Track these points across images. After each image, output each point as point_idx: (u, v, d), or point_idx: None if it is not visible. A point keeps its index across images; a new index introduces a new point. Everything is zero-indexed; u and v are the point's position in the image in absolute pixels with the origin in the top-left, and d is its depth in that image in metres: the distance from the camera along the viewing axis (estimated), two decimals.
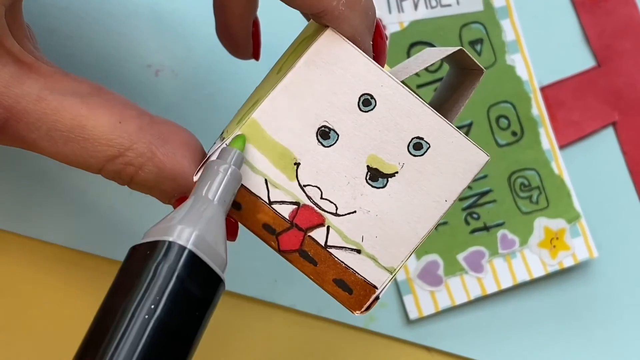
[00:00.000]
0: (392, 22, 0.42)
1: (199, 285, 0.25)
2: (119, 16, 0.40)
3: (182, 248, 0.25)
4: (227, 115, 0.38)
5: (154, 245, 0.25)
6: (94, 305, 0.40)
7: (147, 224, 0.40)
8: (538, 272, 0.43)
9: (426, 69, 0.39)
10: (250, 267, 0.41)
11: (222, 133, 0.31)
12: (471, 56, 0.31)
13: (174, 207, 0.31)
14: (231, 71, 0.41)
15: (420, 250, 0.43)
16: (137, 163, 0.29)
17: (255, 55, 0.36)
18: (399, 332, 0.43)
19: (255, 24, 0.35)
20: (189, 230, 0.25)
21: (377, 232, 0.29)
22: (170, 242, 0.25)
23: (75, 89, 0.29)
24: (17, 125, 0.29)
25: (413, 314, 0.43)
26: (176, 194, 0.30)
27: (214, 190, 0.27)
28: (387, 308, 0.43)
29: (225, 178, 0.27)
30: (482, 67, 0.31)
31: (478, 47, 0.43)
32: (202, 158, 0.30)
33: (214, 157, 0.28)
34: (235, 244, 0.42)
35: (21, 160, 0.39)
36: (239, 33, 0.35)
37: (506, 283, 0.43)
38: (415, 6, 0.43)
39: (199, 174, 0.29)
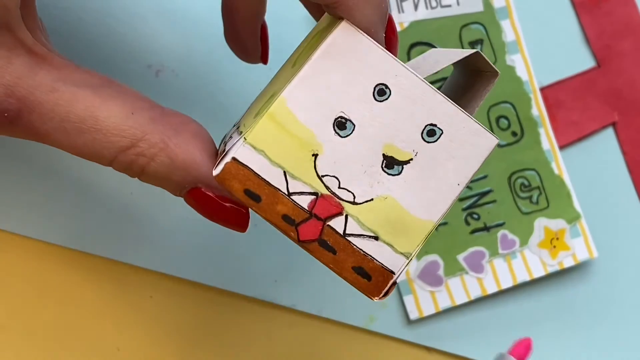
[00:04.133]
0: None
1: None
2: (119, 16, 0.40)
3: None
4: (228, 114, 0.38)
5: None
6: (94, 305, 0.40)
7: (147, 224, 0.40)
8: (538, 272, 0.43)
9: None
10: (250, 267, 0.41)
11: (238, 127, 0.31)
12: (487, 59, 0.31)
13: (185, 200, 0.31)
14: (232, 71, 0.41)
15: (420, 251, 0.43)
16: (150, 154, 0.29)
17: (264, 59, 0.36)
18: (399, 332, 0.43)
19: (263, 28, 0.35)
20: None
21: (393, 218, 0.30)
22: None
23: (87, 80, 0.29)
24: (30, 117, 0.29)
25: (413, 314, 0.43)
26: (187, 185, 0.30)
27: None
28: (388, 308, 0.43)
29: None
30: (496, 69, 0.31)
31: (478, 48, 0.43)
32: (212, 149, 0.31)
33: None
34: (236, 245, 0.42)
35: (21, 160, 0.39)
36: (247, 37, 0.35)
37: (506, 283, 0.43)
38: (416, 7, 0.43)
39: (219, 167, 0.29)
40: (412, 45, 0.43)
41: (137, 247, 0.40)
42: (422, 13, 0.43)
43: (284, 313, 0.42)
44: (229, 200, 0.30)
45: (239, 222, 0.31)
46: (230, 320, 0.41)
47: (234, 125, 0.33)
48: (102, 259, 0.40)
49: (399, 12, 0.43)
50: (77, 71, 0.30)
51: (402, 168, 0.30)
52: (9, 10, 0.28)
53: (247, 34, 0.35)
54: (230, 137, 0.31)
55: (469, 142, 0.30)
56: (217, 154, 0.31)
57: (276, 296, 0.41)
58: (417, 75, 0.29)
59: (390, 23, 0.31)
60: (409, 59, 0.43)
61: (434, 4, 0.43)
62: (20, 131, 0.29)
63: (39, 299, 0.39)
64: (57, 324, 0.40)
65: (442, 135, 0.30)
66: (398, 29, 0.43)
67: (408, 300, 0.43)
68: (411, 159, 0.30)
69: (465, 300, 0.43)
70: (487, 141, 0.30)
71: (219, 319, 0.41)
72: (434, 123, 0.29)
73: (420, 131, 0.29)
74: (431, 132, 0.29)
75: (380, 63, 0.29)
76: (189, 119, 0.31)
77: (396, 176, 0.30)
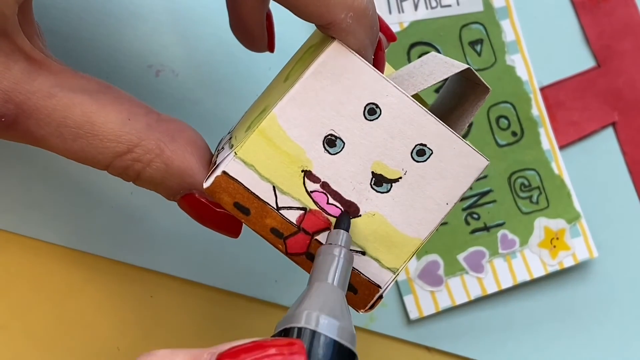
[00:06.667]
0: (392, 23, 0.42)
1: None
2: (119, 17, 0.40)
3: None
4: (227, 115, 0.38)
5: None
6: (94, 305, 0.40)
7: (147, 224, 0.40)
8: (538, 272, 0.43)
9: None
10: (250, 267, 0.41)
11: (230, 138, 0.31)
12: (478, 75, 0.32)
13: (179, 205, 0.31)
14: (231, 71, 0.41)
15: (420, 251, 0.43)
16: (145, 160, 0.29)
17: (271, 48, 0.36)
18: (399, 332, 0.43)
19: (269, 17, 0.35)
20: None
21: (381, 234, 0.30)
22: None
23: (84, 86, 0.29)
24: (27, 122, 0.29)
25: (413, 314, 0.43)
26: (181, 190, 0.30)
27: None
28: (388, 308, 0.43)
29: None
30: (487, 85, 0.31)
31: (478, 48, 0.43)
32: (207, 156, 0.31)
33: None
34: (237, 246, 0.42)
35: (22, 160, 0.39)
36: (253, 26, 0.35)
37: (506, 283, 0.43)
38: (416, 6, 0.43)
39: (209, 180, 0.29)
40: (412, 45, 0.43)
41: (138, 247, 0.40)
42: (422, 13, 0.43)
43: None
44: (222, 207, 0.30)
45: (231, 228, 0.32)
46: (230, 320, 0.41)
47: (229, 133, 0.33)
48: (102, 259, 0.40)
49: (399, 12, 0.43)
50: (74, 77, 0.30)
51: (391, 186, 0.30)
52: (6, 17, 0.28)
53: (252, 23, 0.35)
54: (223, 148, 0.31)
55: (459, 162, 0.30)
56: (211, 161, 0.31)
57: (276, 296, 0.41)
58: (408, 96, 0.29)
59: (379, 42, 0.31)
60: (408, 59, 0.43)
61: (434, 3, 0.43)
62: (17, 136, 0.30)
63: (39, 299, 0.39)
64: (57, 324, 0.40)
65: (432, 156, 0.30)
66: (398, 29, 0.43)
67: (408, 300, 0.43)
68: (400, 178, 0.30)
69: (465, 300, 0.43)
70: (477, 162, 0.30)
71: (219, 319, 0.41)
72: (424, 143, 0.30)
73: (410, 150, 0.30)
74: (421, 152, 0.30)
75: (371, 83, 0.29)
76: (185, 126, 0.31)
77: (385, 194, 0.30)
